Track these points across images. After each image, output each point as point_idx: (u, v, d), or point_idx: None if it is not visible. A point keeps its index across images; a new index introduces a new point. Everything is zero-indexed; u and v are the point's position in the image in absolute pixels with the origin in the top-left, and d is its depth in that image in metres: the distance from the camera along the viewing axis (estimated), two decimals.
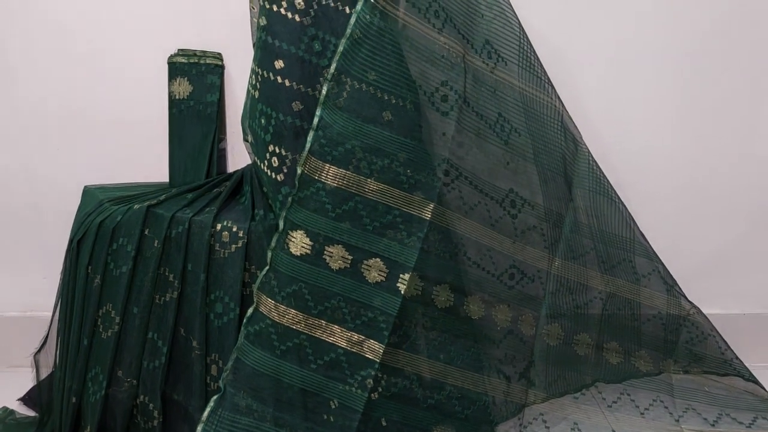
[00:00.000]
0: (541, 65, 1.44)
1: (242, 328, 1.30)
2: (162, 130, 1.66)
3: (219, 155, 1.68)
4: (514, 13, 1.40)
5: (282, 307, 1.29)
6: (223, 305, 1.34)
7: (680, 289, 1.54)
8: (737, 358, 1.57)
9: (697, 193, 1.75)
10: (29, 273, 1.79)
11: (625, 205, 1.52)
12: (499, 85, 1.43)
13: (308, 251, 1.29)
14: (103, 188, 1.57)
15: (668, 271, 1.53)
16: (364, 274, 1.30)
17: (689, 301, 1.55)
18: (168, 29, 1.68)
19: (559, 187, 1.49)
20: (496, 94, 1.43)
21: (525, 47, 1.42)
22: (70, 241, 1.42)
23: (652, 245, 1.53)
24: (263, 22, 1.31)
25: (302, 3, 1.28)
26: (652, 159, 1.72)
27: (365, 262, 1.30)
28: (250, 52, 1.51)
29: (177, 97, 1.65)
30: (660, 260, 1.53)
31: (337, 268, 1.30)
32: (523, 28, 1.41)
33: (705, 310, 1.56)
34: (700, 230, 1.76)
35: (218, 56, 1.68)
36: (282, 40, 1.29)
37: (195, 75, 1.66)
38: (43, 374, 1.62)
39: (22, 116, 1.72)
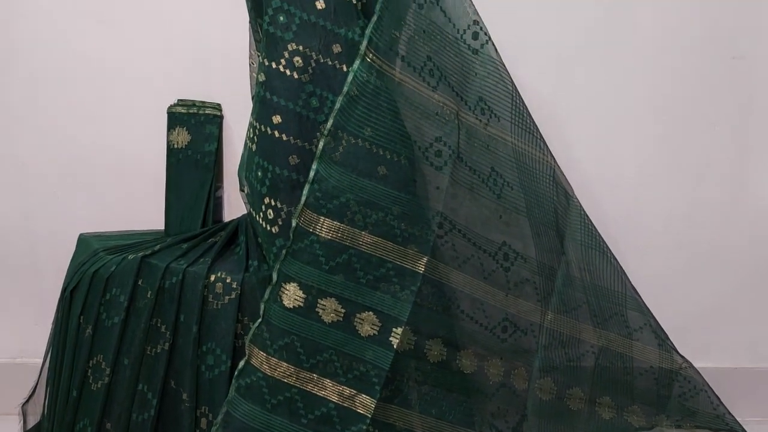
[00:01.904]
0: (533, 121, 1.47)
1: (233, 381, 1.30)
2: (159, 179, 1.68)
3: (215, 203, 1.70)
4: (507, 70, 1.44)
5: (274, 360, 1.29)
6: (214, 357, 1.34)
7: (672, 343, 1.55)
8: (730, 413, 1.57)
9: (688, 248, 1.77)
10: (21, 319, 1.79)
11: (616, 259, 1.53)
12: (491, 140, 1.45)
13: (301, 304, 1.29)
14: (98, 236, 1.57)
15: (660, 325, 1.54)
16: (356, 328, 1.31)
17: (681, 356, 1.55)
18: (168, 79, 1.72)
19: (552, 240, 1.51)
20: (489, 149, 1.45)
21: (517, 103, 1.45)
22: (64, 289, 1.42)
23: (643, 299, 1.54)
24: (262, 78, 1.34)
25: (300, 61, 1.31)
26: (643, 214, 1.75)
27: (358, 315, 1.31)
28: (249, 103, 1.54)
29: (176, 146, 1.68)
30: (651, 314, 1.54)
31: (330, 321, 1.30)
32: (515, 85, 1.44)
33: (697, 365, 1.56)
34: (691, 284, 1.78)
35: (217, 107, 1.72)
36: (280, 96, 1.32)
37: (194, 125, 1.69)
38: (31, 423, 1.60)
39: (22, 164, 1.75)
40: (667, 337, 1.55)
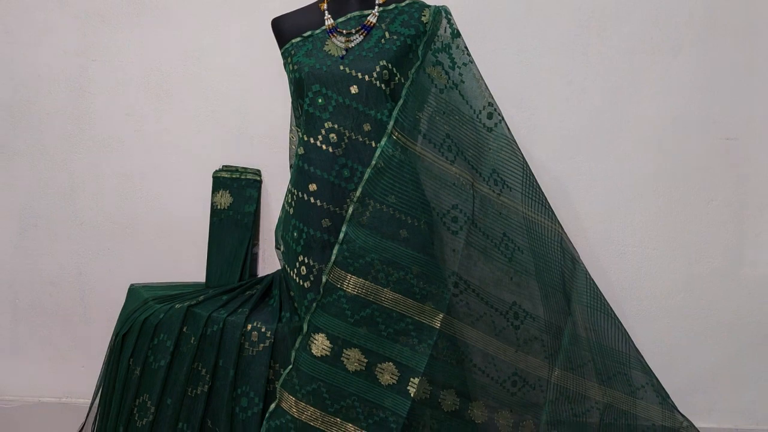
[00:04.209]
0: (542, 192, 1.60)
1: (264, 422, 1.41)
2: (201, 236, 1.85)
3: (252, 259, 1.86)
4: (518, 147, 1.58)
5: (302, 404, 1.40)
6: (248, 400, 1.46)
7: (672, 402, 1.62)
8: None
9: (689, 314, 1.87)
10: (70, 361, 1.93)
11: (621, 322, 1.63)
12: (504, 208, 1.58)
13: (328, 353, 1.41)
14: (146, 287, 1.73)
15: (661, 385, 1.61)
16: (377, 377, 1.42)
17: (682, 414, 1.61)
18: (214, 146, 1.91)
19: (559, 301, 1.61)
20: (502, 216, 1.58)
21: (528, 176, 1.58)
22: (116, 334, 1.57)
23: (646, 360, 1.63)
24: (301, 151, 1.51)
25: (335, 137, 1.48)
26: (646, 280, 1.86)
27: (379, 365, 1.42)
28: (284, 168, 1.72)
29: (218, 207, 1.85)
30: (653, 374, 1.62)
31: (354, 369, 1.42)
32: (526, 160, 1.59)
33: (698, 424, 1.63)
34: (692, 349, 1.86)
35: (257, 172, 1.90)
36: (316, 167, 1.48)
37: (236, 188, 1.87)
38: None
39: (80, 222, 1.94)
40: (668, 396, 1.62)
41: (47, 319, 1.95)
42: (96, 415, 1.60)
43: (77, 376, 1.89)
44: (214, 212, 1.85)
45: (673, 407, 1.62)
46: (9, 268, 1.95)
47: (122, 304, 1.69)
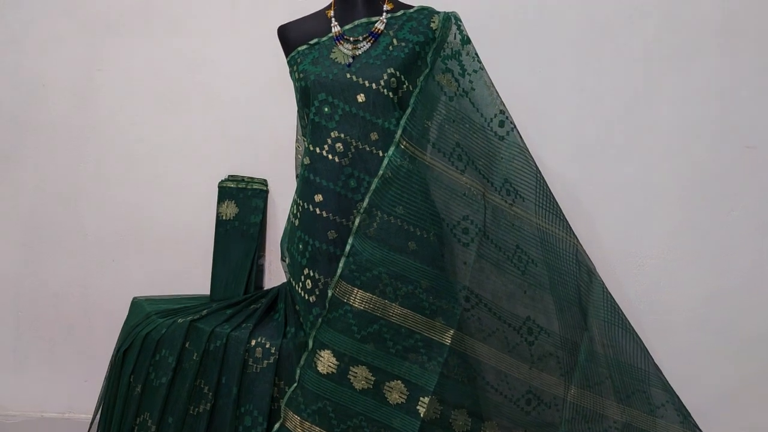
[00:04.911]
0: (557, 202, 1.55)
1: None
2: (206, 247, 1.82)
3: (257, 271, 1.82)
4: (531, 155, 1.54)
5: (307, 424, 1.35)
6: (252, 419, 1.42)
7: (694, 420, 1.56)
8: None
9: (711, 329, 1.81)
10: (72, 375, 1.90)
11: (639, 337, 1.57)
12: (517, 219, 1.53)
13: (334, 370, 1.37)
14: (150, 300, 1.70)
15: (682, 403, 1.56)
16: (385, 395, 1.37)
17: None
18: (220, 156, 1.88)
19: (575, 316, 1.56)
20: (514, 227, 1.53)
21: (542, 185, 1.53)
22: (117, 350, 1.54)
23: (666, 377, 1.57)
24: (307, 161, 1.47)
25: (341, 146, 1.44)
26: (666, 293, 1.80)
27: (387, 383, 1.37)
28: (291, 179, 1.68)
29: (224, 217, 1.82)
30: (674, 392, 1.56)
31: (361, 388, 1.37)
32: (539, 169, 1.54)
33: None
34: (714, 364, 1.80)
35: (263, 182, 1.86)
36: (322, 177, 1.45)
37: (242, 198, 1.83)
38: None
39: (84, 233, 1.91)
40: (689, 414, 1.56)
41: (50, 332, 1.92)
42: None
43: (80, 391, 1.86)
44: (220, 223, 1.82)
45: (695, 426, 1.56)
46: (12, 279, 1.93)
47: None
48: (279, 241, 1.67)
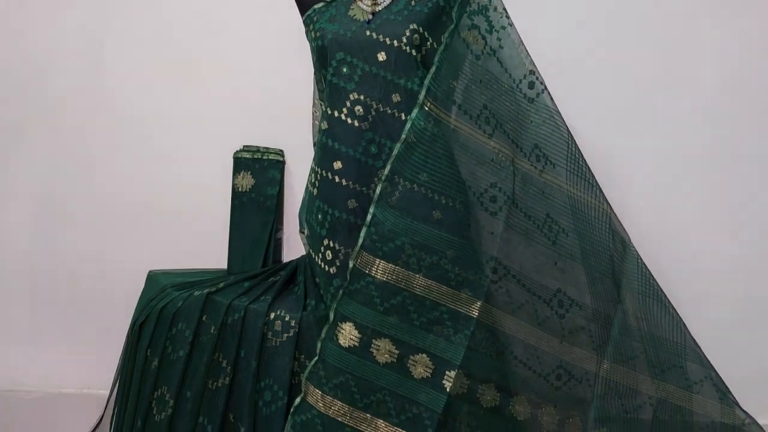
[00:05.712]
0: (589, 168, 1.47)
1: (289, 417, 1.33)
2: (223, 220, 1.77)
3: (275, 244, 1.77)
4: (563, 119, 1.46)
5: (329, 398, 1.31)
6: (272, 393, 1.38)
7: (734, 397, 1.49)
8: None
9: (752, 301, 1.72)
10: (89, 351, 1.88)
11: (675, 309, 1.50)
12: (547, 187, 1.46)
13: (356, 343, 1.32)
14: (166, 273, 1.66)
15: (721, 379, 1.49)
16: (410, 369, 1.32)
17: (744, 411, 1.49)
18: (235, 126, 1.82)
19: (608, 288, 1.49)
20: (545, 195, 1.46)
21: (573, 151, 1.46)
22: (133, 323, 1.50)
23: (704, 351, 1.50)
24: (324, 125, 1.41)
25: (361, 109, 1.38)
26: (705, 264, 1.72)
27: (411, 357, 1.32)
28: (309, 149, 1.62)
29: (240, 189, 1.76)
30: (712, 367, 1.49)
31: (384, 362, 1.32)
32: (571, 133, 1.46)
33: (761, 421, 1.50)
34: (753, 337, 1.72)
35: (280, 152, 1.80)
36: (341, 143, 1.38)
37: (258, 169, 1.77)
38: None
39: (98, 205, 1.87)
40: (729, 391, 1.49)
41: (67, 308, 1.89)
42: (114, 408, 1.53)
43: (98, 366, 1.83)
44: (236, 195, 1.76)
45: (735, 403, 1.49)
46: (28, 255, 1.90)
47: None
48: (297, 214, 1.62)
